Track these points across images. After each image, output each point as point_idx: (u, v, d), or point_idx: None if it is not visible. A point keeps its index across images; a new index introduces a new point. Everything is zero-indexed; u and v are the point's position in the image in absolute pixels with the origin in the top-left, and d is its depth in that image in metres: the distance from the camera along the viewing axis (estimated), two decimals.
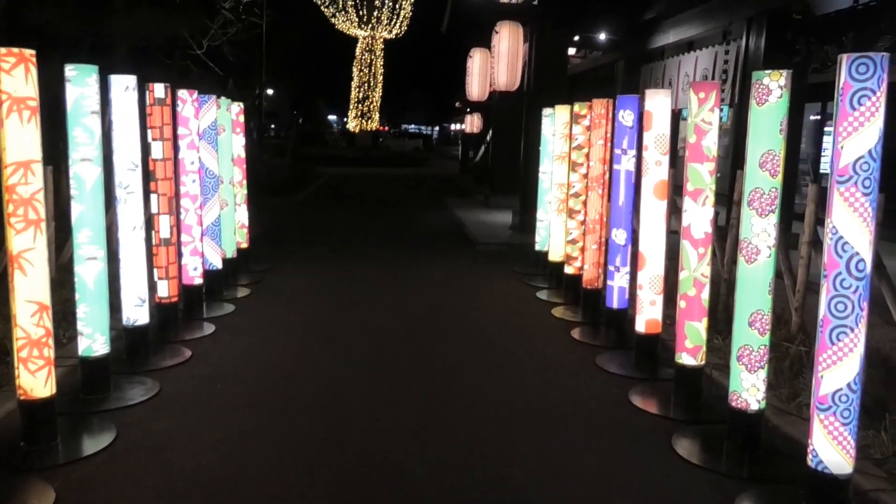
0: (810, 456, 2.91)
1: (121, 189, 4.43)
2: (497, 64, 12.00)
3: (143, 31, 11.67)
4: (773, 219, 3.33)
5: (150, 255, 4.93)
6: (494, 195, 14.81)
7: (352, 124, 40.38)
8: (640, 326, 4.75)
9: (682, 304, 4.05)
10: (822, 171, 11.95)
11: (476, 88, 15.86)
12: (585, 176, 6.27)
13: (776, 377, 4.19)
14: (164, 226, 5.12)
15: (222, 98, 6.78)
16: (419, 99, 66.46)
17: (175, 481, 3.16)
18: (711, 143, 3.89)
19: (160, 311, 5.32)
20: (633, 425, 3.92)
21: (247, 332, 5.50)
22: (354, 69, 39.77)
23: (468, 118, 26.16)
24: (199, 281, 6.01)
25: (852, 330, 2.77)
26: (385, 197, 17.97)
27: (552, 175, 7.34)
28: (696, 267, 3.97)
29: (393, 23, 38.04)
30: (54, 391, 3.38)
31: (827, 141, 11.85)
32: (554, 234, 7.31)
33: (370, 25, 37.89)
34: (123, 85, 4.33)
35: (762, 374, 3.44)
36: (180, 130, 5.70)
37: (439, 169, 29.69)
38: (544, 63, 11.44)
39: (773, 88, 3.25)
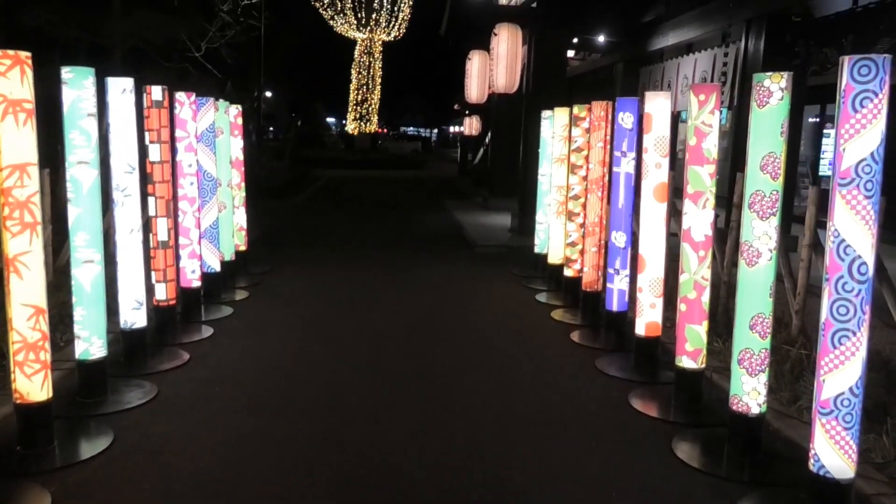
0: (812, 460, 2.90)
1: (118, 192, 4.41)
2: (496, 66, 11.99)
3: (142, 33, 11.66)
4: (774, 221, 3.32)
5: (147, 258, 4.91)
6: (493, 197, 14.80)
7: (350, 127, 40.39)
8: (640, 329, 4.74)
9: (682, 307, 4.03)
10: (820, 173, 11.95)
11: (475, 91, 15.86)
12: (585, 178, 6.25)
13: (777, 380, 4.18)
14: (161, 228, 5.10)
15: (220, 100, 6.77)
16: (418, 101, 66.62)
17: (173, 484, 3.14)
18: (712, 145, 3.88)
19: (158, 314, 5.31)
20: (633, 428, 3.91)
21: (245, 335, 5.48)
22: (353, 71, 39.80)
23: (467, 120, 26.12)
24: (197, 284, 5.99)
25: (854, 334, 2.75)
26: (384, 199, 17.95)
27: (551, 177, 7.33)
28: (697, 270, 3.96)
29: (391, 25, 38.07)
30: (51, 395, 3.36)
31: (826, 143, 11.85)
32: (553, 237, 7.30)
33: (369, 28, 37.91)
34: (120, 87, 4.31)
35: (763, 377, 3.43)
36: (178, 133, 5.69)
37: (438, 171, 29.67)
38: (543, 65, 11.43)
39: (773, 90, 3.24)
